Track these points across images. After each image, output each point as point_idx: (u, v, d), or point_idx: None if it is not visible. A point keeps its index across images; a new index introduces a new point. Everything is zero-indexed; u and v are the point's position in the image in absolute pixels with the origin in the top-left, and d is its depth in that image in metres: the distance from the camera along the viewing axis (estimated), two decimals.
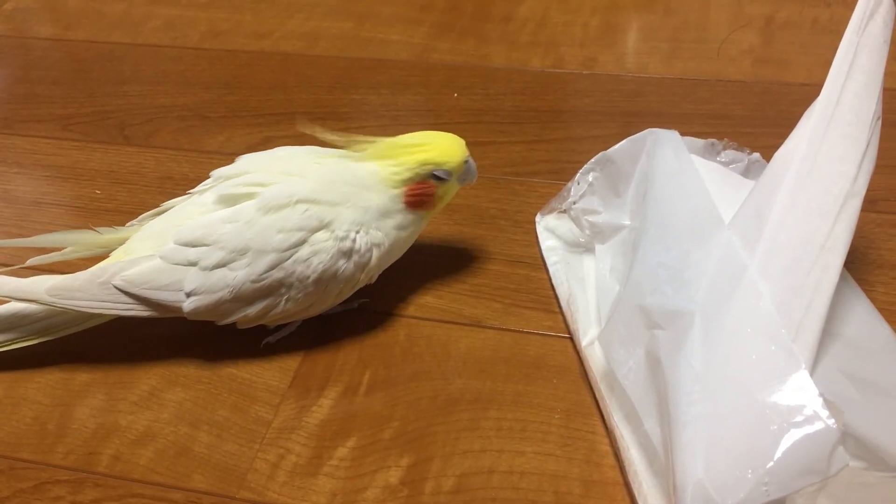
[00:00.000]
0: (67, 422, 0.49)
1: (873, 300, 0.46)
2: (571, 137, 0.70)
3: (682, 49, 0.80)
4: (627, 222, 0.52)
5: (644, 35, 0.83)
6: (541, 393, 0.49)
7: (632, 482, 0.43)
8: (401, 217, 0.51)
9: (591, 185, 0.54)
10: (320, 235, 0.48)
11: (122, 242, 0.51)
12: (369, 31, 0.86)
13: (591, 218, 0.55)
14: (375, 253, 0.50)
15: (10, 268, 0.51)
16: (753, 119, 0.70)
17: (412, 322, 0.54)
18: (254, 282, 0.48)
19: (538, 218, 0.60)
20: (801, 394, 0.38)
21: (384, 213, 0.50)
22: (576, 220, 0.56)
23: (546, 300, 0.55)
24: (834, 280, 0.41)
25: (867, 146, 0.43)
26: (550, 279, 0.56)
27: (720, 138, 0.55)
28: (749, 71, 0.76)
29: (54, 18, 0.94)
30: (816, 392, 0.37)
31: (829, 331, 0.41)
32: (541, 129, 0.71)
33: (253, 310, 0.49)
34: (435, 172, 0.50)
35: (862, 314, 0.44)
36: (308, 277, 0.48)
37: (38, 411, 0.50)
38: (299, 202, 0.48)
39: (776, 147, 0.56)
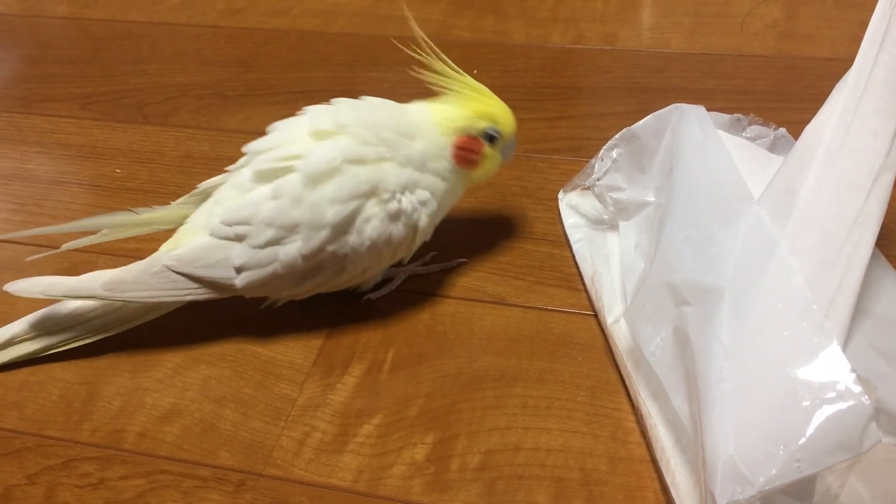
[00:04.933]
0: (94, 399, 0.50)
1: None
2: (592, 114, 0.69)
3: (705, 24, 0.79)
4: (652, 199, 0.52)
5: (665, 10, 0.82)
6: (566, 370, 0.49)
7: (659, 459, 0.43)
8: (444, 165, 0.50)
9: (615, 161, 0.54)
10: (371, 203, 0.48)
11: (159, 221, 0.51)
12: (387, 8, 0.86)
13: (615, 194, 0.54)
14: (424, 212, 0.50)
15: (46, 253, 0.51)
16: (777, 94, 0.69)
17: (435, 300, 0.54)
18: (306, 256, 0.48)
19: (561, 195, 0.59)
20: (833, 370, 0.37)
21: (427, 160, 0.50)
22: (599, 197, 0.56)
23: (569, 277, 0.55)
24: (866, 256, 0.40)
25: None
26: (574, 256, 0.55)
27: (745, 113, 0.55)
28: (773, 45, 0.75)
29: None
30: (849, 368, 0.37)
31: (860, 307, 0.41)
32: (561, 106, 0.70)
33: (307, 282, 0.49)
34: (488, 131, 0.50)
35: (893, 290, 0.43)
36: (362, 244, 0.48)
37: (65, 389, 0.50)
38: (345, 163, 0.47)
39: (801, 122, 0.56)
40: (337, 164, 0.47)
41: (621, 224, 0.54)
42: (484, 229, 0.58)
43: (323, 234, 0.47)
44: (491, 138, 0.51)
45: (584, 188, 0.57)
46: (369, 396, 0.49)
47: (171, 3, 0.90)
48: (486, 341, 0.51)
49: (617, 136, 0.55)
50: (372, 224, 0.48)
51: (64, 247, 0.50)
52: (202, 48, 0.82)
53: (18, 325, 0.51)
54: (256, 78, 0.77)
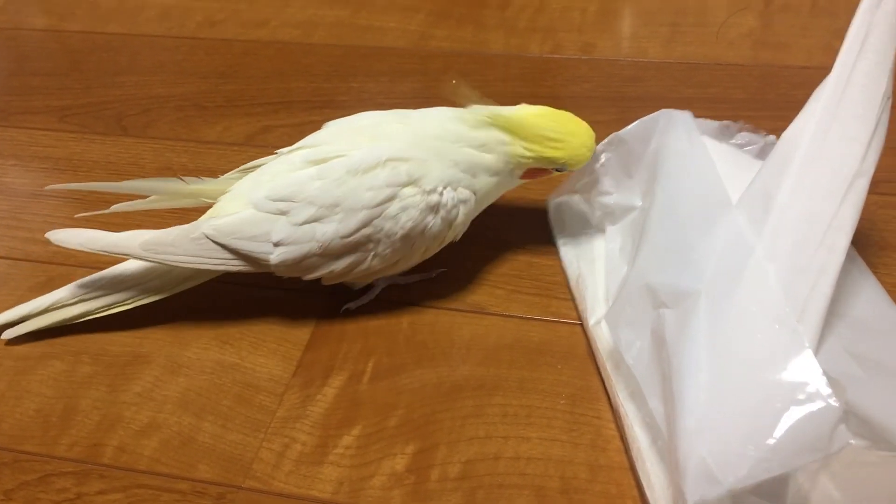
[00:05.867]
0: (71, 414, 0.49)
1: None
2: None
3: (682, 33, 0.79)
4: (639, 203, 0.53)
5: (643, 19, 0.82)
6: (545, 378, 0.49)
7: (635, 459, 0.43)
8: (499, 177, 0.51)
9: (602, 165, 0.54)
10: (408, 191, 0.48)
11: (207, 194, 0.52)
12: (366, 19, 0.86)
13: (602, 198, 0.55)
14: (462, 209, 0.50)
15: (95, 212, 0.52)
16: (754, 102, 0.69)
17: (415, 310, 0.54)
18: (343, 237, 0.48)
19: (550, 198, 0.60)
20: (804, 372, 0.38)
21: (477, 170, 0.50)
22: (587, 202, 0.56)
23: (549, 286, 0.55)
24: (840, 260, 0.41)
25: (876, 125, 0.43)
26: (561, 260, 0.56)
27: (722, 121, 0.55)
28: (748, 54, 0.75)
29: (48, 10, 0.93)
30: (819, 370, 0.37)
31: (836, 311, 0.41)
32: None
33: (339, 265, 0.49)
34: (558, 167, 0.51)
35: (869, 295, 0.44)
36: (396, 233, 0.49)
37: (42, 403, 0.50)
38: (388, 161, 0.48)
39: (777, 130, 0.56)
40: (382, 161, 0.48)
41: (608, 228, 0.55)
42: (463, 238, 0.58)
43: (360, 216, 0.48)
44: (560, 169, 0.52)
45: (573, 192, 0.58)
46: (349, 407, 0.48)
47: (150, 15, 0.90)
48: (466, 350, 0.51)
49: (605, 140, 0.55)
50: (409, 213, 0.48)
51: (114, 207, 0.52)
52: (181, 60, 0.82)
53: (61, 292, 0.53)
54: (236, 89, 0.77)
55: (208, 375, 0.51)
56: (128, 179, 0.66)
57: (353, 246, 0.49)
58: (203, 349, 0.52)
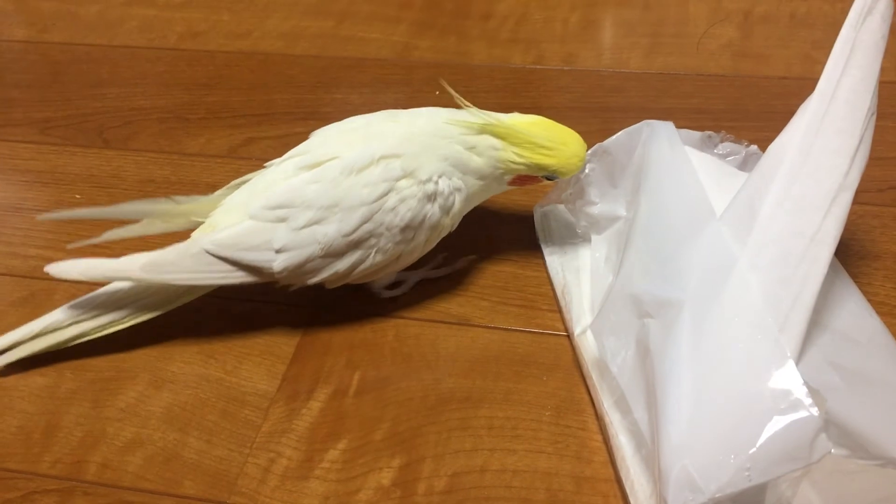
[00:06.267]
0: (54, 430, 0.49)
1: None
2: None
3: (662, 44, 0.80)
4: (623, 213, 0.53)
5: (624, 30, 0.83)
6: (531, 390, 0.49)
7: (619, 468, 0.44)
8: (487, 181, 0.52)
9: (587, 175, 0.55)
10: (404, 183, 0.48)
11: (198, 212, 0.52)
12: (349, 30, 0.86)
13: (587, 209, 0.55)
14: (458, 196, 0.51)
15: (87, 242, 0.50)
16: (734, 113, 0.70)
17: (400, 322, 0.54)
18: (345, 235, 0.48)
19: (536, 208, 0.60)
20: (785, 382, 0.38)
21: (465, 169, 0.50)
22: (572, 211, 0.57)
23: (533, 297, 0.55)
24: (822, 272, 0.41)
25: (860, 141, 0.43)
26: (547, 269, 0.56)
27: (703, 131, 0.56)
28: (728, 65, 0.76)
29: (28, 21, 0.93)
30: (801, 380, 0.38)
31: (818, 322, 0.42)
32: None
33: (342, 264, 0.50)
34: (549, 175, 0.52)
35: (852, 306, 0.44)
36: (397, 226, 0.49)
37: (24, 420, 0.49)
38: (381, 158, 0.48)
39: (757, 140, 0.57)
40: (375, 159, 0.48)
41: (593, 237, 0.55)
42: (447, 249, 0.59)
43: (360, 213, 0.48)
44: (550, 177, 0.52)
45: (559, 201, 0.58)
46: (335, 421, 0.48)
47: (131, 27, 0.89)
48: (452, 363, 0.51)
49: (590, 151, 0.55)
50: (408, 203, 0.49)
51: (106, 235, 0.50)
52: (163, 71, 0.82)
53: (56, 315, 0.52)
54: (218, 101, 0.77)
55: (193, 390, 0.51)
56: (109, 191, 0.66)
57: (356, 243, 0.49)
58: (187, 363, 0.52)
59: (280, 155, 0.52)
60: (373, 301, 0.55)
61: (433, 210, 0.50)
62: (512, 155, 0.50)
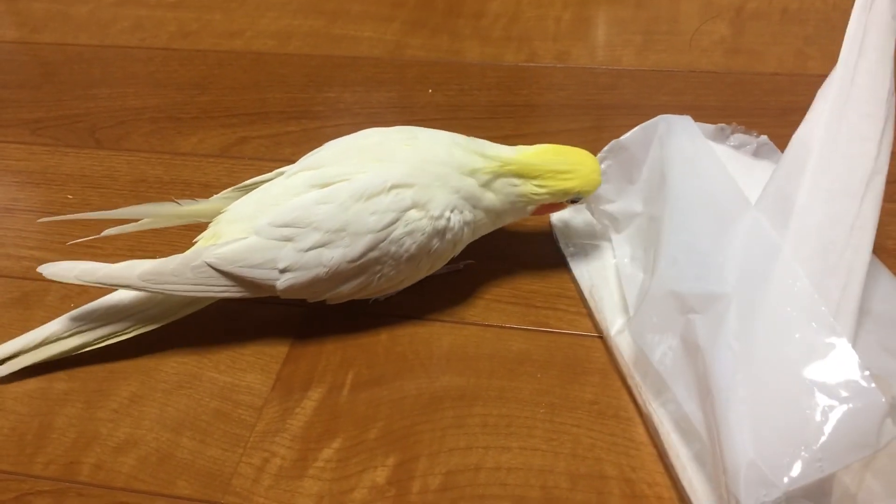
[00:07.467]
0: (47, 431, 0.49)
1: None
2: (547, 131, 0.70)
3: (655, 41, 0.80)
4: (641, 209, 0.53)
5: (616, 28, 0.83)
6: (525, 388, 0.49)
7: (674, 465, 0.43)
8: (500, 214, 0.52)
9: (604, 173, 0.54)
10: (413, 214, 0.48)
11: (202, 214, 0.51)
12: (341, 29, 0.86)
13: (605, 207, 0.55)
14: (467, 230, 0.51)
15: (87, 238, 0.50)
16: (727, 109, 0.70)
17: (394, 321, 0.54)
18: (351, 261, 0.48)
19: (553, 215, 0.60)
20: (846, 369, 0.38)
21: (477, 203, 0.50)
22: (591, 210, 0.57)
23: (526, 295, 0.55)
24: (866, 259, 0.42)
25: (885, 122, 0.43)
26: (571, 273, 0.56)
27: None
28: (721, 62, 0.76)
29: (19, 21, 0.92)
30: (862, 366, 0.38)
31: (861, 308, 0.42)
32: (517, 124, 0.71)
33: (346, 287, 0.50)
34: (572, 199, 0.52)
35: (889, 289, 0.44)
36: (402, 256, 0.49)
37: (16, 422, 0.49)
38: (393, 187, 0.48)
39: None
40: (387, 187, 0.48)
41: (613, 237, 0.55)
42: None
43: (366, 240, 0.48)
44: (575, 200, 0.52)
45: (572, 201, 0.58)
46: (329, 420, 0.48)
47: (123, 27, 0.89)
48: (446, 361, 0.51)
49: (605, 148, 0.55)
50: (414, 237, 0.48)
51: (105, 232, 0.50)
52: (155, 71, 0.82)
53: (56, 325, 0.51)
54: (211, 100, 0.77)
55: (186, 390, 0.50)
56: (102, 191, 0.66)
57: (361, 269, 0.49)
58: (180, 363, 0.52)
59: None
60: (366, 301, 0.55)
61: (440, 244, 0.50)
62: (532, 188, 0.50)
